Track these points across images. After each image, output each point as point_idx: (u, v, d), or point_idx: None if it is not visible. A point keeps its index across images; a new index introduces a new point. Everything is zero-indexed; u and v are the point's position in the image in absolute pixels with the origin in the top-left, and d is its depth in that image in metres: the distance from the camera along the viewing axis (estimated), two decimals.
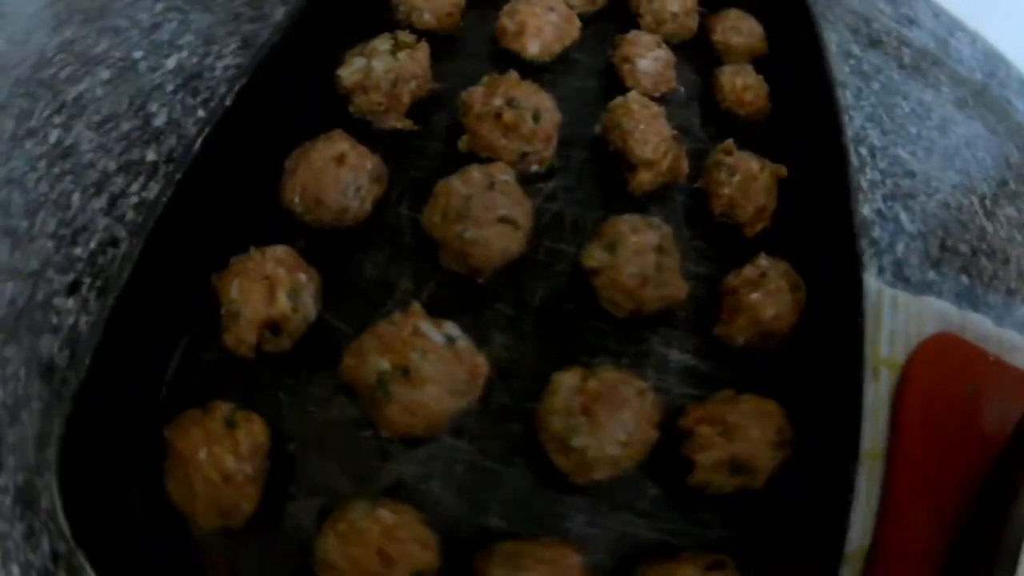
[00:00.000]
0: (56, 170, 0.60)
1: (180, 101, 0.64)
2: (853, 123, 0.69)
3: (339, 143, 0.50)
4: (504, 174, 0.49)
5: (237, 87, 0.50)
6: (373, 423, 0.45)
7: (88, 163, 0.60)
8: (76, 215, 0.58)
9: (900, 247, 0.64)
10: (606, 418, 0.43)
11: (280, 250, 0.48)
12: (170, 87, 0.65)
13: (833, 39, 0.75)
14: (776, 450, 0.46)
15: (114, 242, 0.56)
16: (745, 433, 0.46)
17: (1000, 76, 0.85)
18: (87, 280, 0.55)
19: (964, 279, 0.66)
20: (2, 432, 0.51)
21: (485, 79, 0.54)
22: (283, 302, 0.46)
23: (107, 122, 0.62)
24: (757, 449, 0.46)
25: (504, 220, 0.48)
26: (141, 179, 0.59)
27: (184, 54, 0.67)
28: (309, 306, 0.47)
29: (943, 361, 0.61)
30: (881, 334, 0.60)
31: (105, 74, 0.66)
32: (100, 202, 0.58)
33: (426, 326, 0.44)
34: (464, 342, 0.45)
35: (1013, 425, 0.56)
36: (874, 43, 0.77)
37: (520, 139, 0.52)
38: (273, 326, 0.46)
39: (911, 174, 0.68)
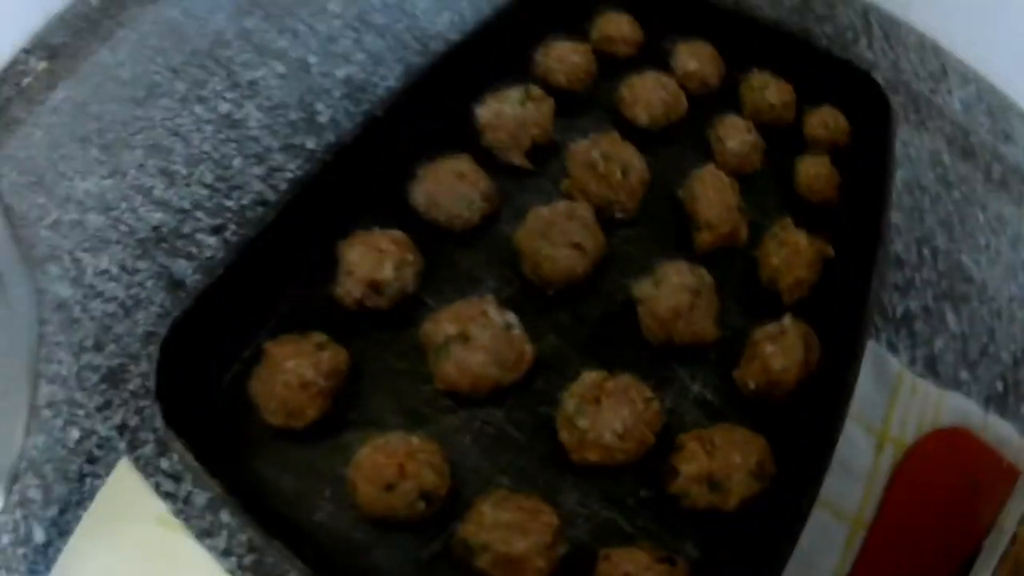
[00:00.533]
0: (222, 135, 0.71)
1: (343, 107, 0.75)
2: (924, 224, 0.74)
3: (463, 163, 0.63)
4: (584, 210, 0.61)
5: (390, 102, 0.63)
6: (432, 377, 0.56)
7: (253, 137, 0.72)
8: (235, 175, 0.69)
9: (938, 343, 0.69)
10: (610, 409, 0.53)
11: (396, 233, 0.60)
12: (337, 93, 0.76)
13: (926, 145, 0.80)
14: (753, 479, 0.53)
15: (265, 203, 0.68)
16: (727, 455, 0.53)
17: None
18: (233, 226, 0.66)
19: (999, 385, 0.70)
20: (112, 323, 0.60)
21: (592, 135, 0.66)
22: (388, 269, 0.57)
23: (276, 109, 0.74)
24: (734, 472, 0.53)
25: (575, 245, 0.59)
26: (299, 160, 0.71)
27: (354, 68, 0.79)
28: (408, 280, 0.59)
29: (951, 452, 0.66)
30: (893, 413, 0.65)
31: (280, 68, 0.77)
32: (259, 170, 0.70)
33: (492, 310, 0.56)
34: (519, 331, 0.56)
35: None
36: (966, 154, 0.81)
37: (609, 188, 0.64)
38: (376, 286, 0.57)
39: (969, 280, 0.73)
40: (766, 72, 0.76)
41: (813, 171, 0.70)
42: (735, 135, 0.70)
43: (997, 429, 0.68)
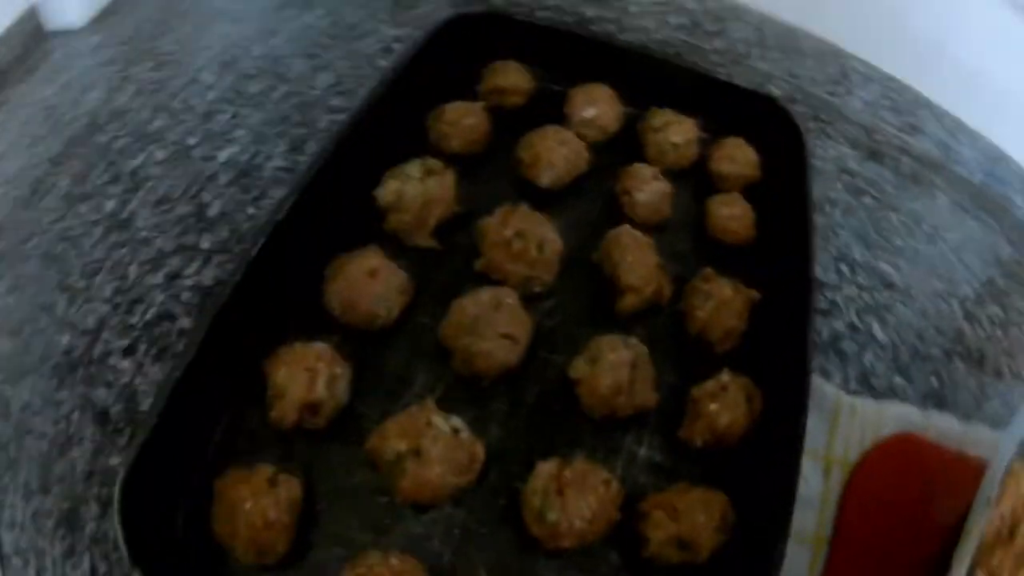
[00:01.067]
0: (112, 239, 0.76)
1: (232, 196, 0.81)
2: (838, 240, 0.88)
3: (372, 259, 0.71)
4: (509, 297, 0.70)
5: (290, 202, 0.69)
6: (389, 491, 0.63)
7: (144, 239, 0.77)
8: (133, 285, 0.74)
9: (868, 357, 0.83)
10: (574, 499, 0.62)
11: (320, 346, 0.67)
12: (223, 179, 0.82)
13: (831, 154, 0.94)
14: (718, 532, 0.64)
15: (170, 317, 0.73)
16: (691, 517, 0.63)
17: (999, 173, 1.03)
18: (143, 346, 0.71)
19: (933, 381, 0.84)
20: (49, 464, 0.65)
21: (500, 210, 0.75)
22: (321, 390, 0.64)
23: (163, 203, 0.79)
24: (701, 530, 0.63)
25: (506, 336, 0.68)
26: (196, 264, 0.76)
27: (236, 149, 0.85)
28: (342, 394, 0.66)
29: (896, 459, 0.77)
30: (835, 438, 0.78)
31: (160, 154, 0.83)
32: (156, 278, 0.75)
33: (437, 419, 0.64)
34: (466, 433, 0.65)
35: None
36: (873, 155, 0.96)
37: (526, 265, 0.73)
38: (312, 408, 0.65)
39: (890, 286, 0.87)
40: (667, 110, 0.87)
41: (726, 211, 0.82)
42: (642, 186, 0.81)
43: (938, 424, 0.80)
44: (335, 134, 0.75)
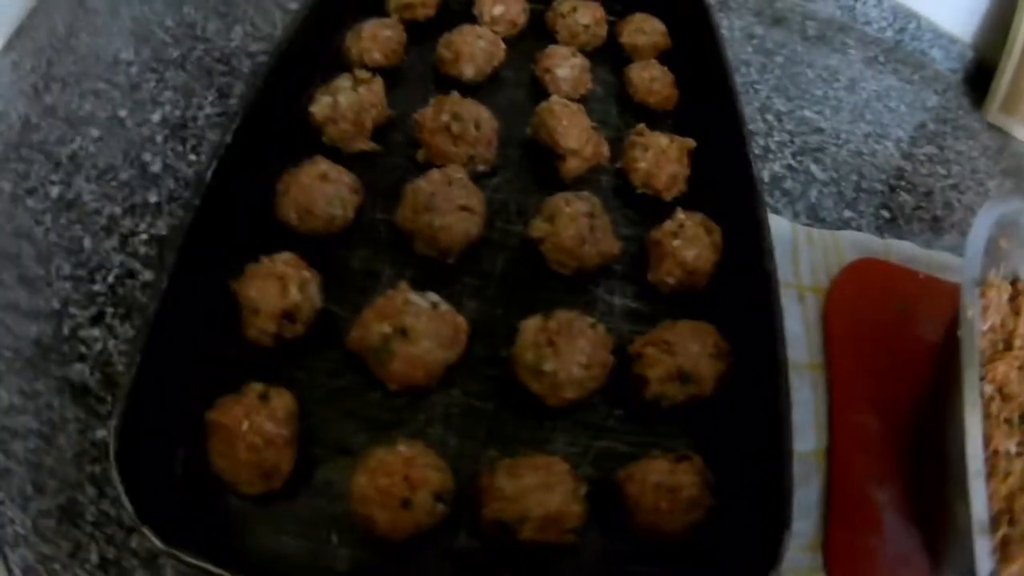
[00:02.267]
0: (63, 220, 0.79)
1: (171, 149, 0.86)
2: (759, 95, 0.95)
3: (321, 164, 0.74)
4: (458, 172, 0.74)
5: (233, 126, 0.72)
6: (380, 381, 0.66)
7: (94, 210, 0.80)
8: (90, 256, 0.77)
9: (813, 193, 0.90)
10: (567, 345, 0.65)
11: (285, 255, 0.69)
12: (159, 138, 0.87)
13: (736, 24, 1.02)
14: (715, 360, 0.68)
15: (131, 274, 0.77)
16: (685, 347, 0.68)
17: (911, 30, 1.12)
18: (110, 309, 0.74)
19: (884, 213, 0.91)
20: (40, 459, 0.66)
21: (433, 100, 0.80)
22: (294, 294, 0.66)
23: (105, 173, 0.83)
24: (698, 360, 0.67)
25: (464, 208, 0.72)
26: (147, 218, 0.80)
27: (167, 108, 0.90)
28: (315, 296, 0.69)
29: (866, 281, 0.86)
30: (800, 266, 0.84)
31: (94, 132, 0.87)
32: (112, 242, 0.78)
33: (414, 296, 0.67)
34: (445, 306, 0.68)
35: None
36: (777, 21, 1.04)
37: (467, 145, 0.78)
38: (289, 315, 0.66)
39: (819, 131, 0.94)
40: None
41: (646, 75, 0.88)
42: (561, 62, 0.87)
43: (900, 250, 0.89)
44: (262, 67, 0.79)
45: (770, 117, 0.95)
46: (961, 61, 1.12)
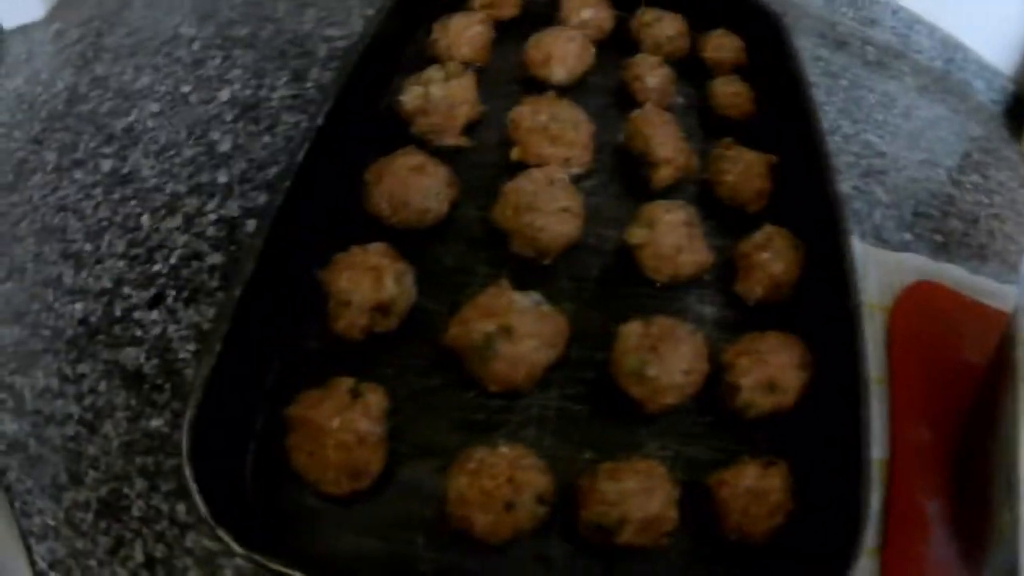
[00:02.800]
0: (116, 196, 0.76)
1: (242, 129, 0.82)
2: (827, 116, 0.95)
3: (415, 156, 0.73)
4: (559, 174, 0.73)
5: (326, 108, 0.71)
6: (476, 381, 0.64)
7: (153, 187, 0.77)
8: (148, 235, 0.74)
9: (877, 215, 0.90)
10: (670, 351, 0.65)
11: (379, 245, 0.67)
12: (228, 117, 0.83)
13: (803, 45, 1.02)
14: (801, 371, 0.68)
15: (197, 256, 0.73)
16: (776, 358, 0.67)
17: (958, 61, 1.13)
18: (172, 292, 0.70)
19: (938, 238, 0.91)
20: (80, 447, 0.62)
21: (528, 99, 0.78)
22: (390, 286, 0.64)
23: (167, 150, 0.79)
24: (786, 370, 0.67)
25: (564, 210, 0.71)
26: (216, 199, 0.76)
27: (236, 87, 0.86)
28: (411, 290, 0.67)
29: (923, 303, 0.86)
30: (868, 283, 0.84)
31: (154, 107, 0.83)
32: (175, 221, 0.75)
33: (516, 295, 0.65)
34: (547, 306, 0.66)
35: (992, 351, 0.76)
36: (839, 45, 1.05)
37: (564, 146, 0.77)
38: (383, 308, 0.64)
39: (881, 155, 0.95)
40: (654, 8, 0.93)
41: (729, 90, 0.88)
42: (651, 71, 0.86)
43: (950, 274, 0.90)
44: (352, 51, 0.77)
45: (838, 139, 0.95)
46: (1002, 94, 1.14)
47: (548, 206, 0.71)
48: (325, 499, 0.59)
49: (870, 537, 0.69)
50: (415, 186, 0.71)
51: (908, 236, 0.91)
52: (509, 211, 0.72)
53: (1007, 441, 0.62)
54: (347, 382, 0.60)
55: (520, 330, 0.63)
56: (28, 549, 0.59)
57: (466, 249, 0.74)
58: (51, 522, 0.60)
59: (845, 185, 0.91)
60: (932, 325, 0.86)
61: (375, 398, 0.60)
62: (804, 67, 0.86)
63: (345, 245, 0.67)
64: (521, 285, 0.68)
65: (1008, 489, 0.60)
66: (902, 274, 0.88)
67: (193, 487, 0.51)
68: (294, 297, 0.66)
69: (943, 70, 1.11)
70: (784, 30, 0.91)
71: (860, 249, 0.86)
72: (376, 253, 0.67)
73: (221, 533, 0.50)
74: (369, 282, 0.64)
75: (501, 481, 0.57)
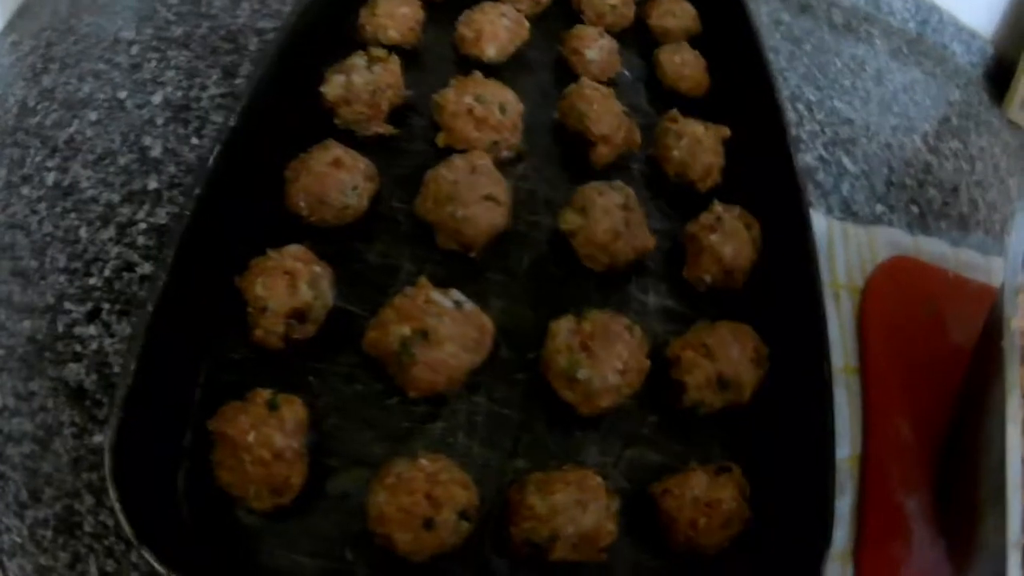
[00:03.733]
0: (58, 209, 0.70)
1: (173, 132, 0.75)
2: (788, 83, 0.87)
3: (333, 149, 0.65)
4: (481, 159, 0.65)
5: (239, 108, 0.63)
6: (399, 387, 0.57)
7: (91, 198, 0.71)
8: (86, 247, 0.68)
9: (845, 187, 0.82)
10: (603, 350, 0.57)
11: (294, 248, 0.60)
12: (160, 120, 0.76)
13: (763, 10, 0.93)
14: (755, 366, 0.61)
15: (129, 267, 0.67)
16: (725, 352, 0.60)
17: (933, 23, 1.04)
18: (106, 305, 0.65)
19: (914, 209, 0.83)
20: (36, 465, 0.58)
21: (454, 81, 0.70)
22: (305, 291, 0.58)
23: (103, 159, 0.73)
24: (738, 365, 0.60)
25: (488, 198, 0.63)
26: (147, 206, 0.70)
27: (169, 89, 0.79)
28: (327, 293, 0.60)
29: (900, 281, 0.78)
30: (836, 262, 0.76)
31: (93, 116, 0.77)
32: (108, 232, 0.69)
33: (436, 295, 0.58)
34: (470, 306, 0.59)
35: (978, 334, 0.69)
36: (803, 8, 0.96)
37: (491, 130, 0.68)
38: (298, 315, 0.58)
39: (849, 122, 0.86)
40: None
41: (677, 59, 0.79)
42: (590, 44, 0.77)
43: (929, 248, 0.82)
44: (271, 44, 0.70)
45: (800, 107, 0.86)
46: (982, 56, 1.05)
47: (471, 195, 0.63)
48: (254, 514, 0.54)
49: (841, 539, 0.65)
50: (332, 181, 0.64)
51: (881, 208, 0.82)
52: (430, 202, 0.64)
53: (993, 438, 0.56)
54: (264, 394, 0.55)
55: (438, 333, 0.57)
56: (2, 566, 0.56)
57: (389, 245, 0.66)
58: (18, 539, 0.57)
59: (809, 156, 0.83)
60: (911, 305, 0.79)
61: (291, 411, 0.54)
62: (759, 31, 0.78)
63: (264, 248, 0.60)
64: (447, 281, 0.61)
65: (995, 491, 0.55)
66: (875, 250, 0.80)
67: (117, 506, 0.47)
68: (215, 306, 0.60)
69: (916, 32, 1.02)
70: None
71: (825, 224, 0.78)
72: (291, 256, 0.60)
73: (144, 552, 0.46)
74: (283, 287, 0.58)
75: (419, 497, 0.51)
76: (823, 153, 0.83)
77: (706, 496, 0.56)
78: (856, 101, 0.89)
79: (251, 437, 0.52)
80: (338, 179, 0.64)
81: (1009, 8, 1.07)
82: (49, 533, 0.56)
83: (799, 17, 0.95)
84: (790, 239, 0.66)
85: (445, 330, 0.57)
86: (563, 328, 0.59)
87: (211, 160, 0.61)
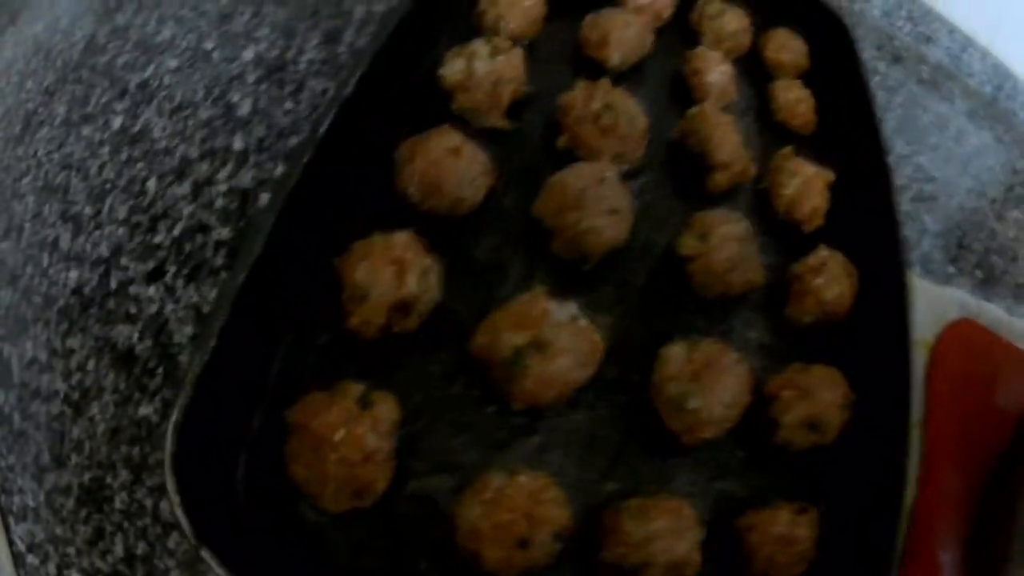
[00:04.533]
0: (123, 155, 0.65)
1: (265, 92, 0.70)
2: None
3: (453, 136, 0.60)
4: (610, 171, 0.61)
5: (358, 74, 0.59)
6: (501, 396, 0.54)
7: (163, 149, 0.66)
8: (153, 201, 0.63)
9: (925, 244, 0.80)
10: (714, 383, 0.55)
11: (404, 235, 0.55)
12: (251, 78, 0.71)
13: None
14: (843, 410, 0.59)
15: (203, 229, 0.62)
16: (819, 396, 0.59)
17: (1007, 89, 1.03)
18: (172, 268, 0.60)
19: (979, 273, 0.82)
20: (64, 427, 0.54)
21: (581, 84, 0.66)
22: (413, 283, 0.53)
23: (182, 109, 0.68)
24: (829, 408, 0.59)
25: (613, 212, 0.60)
26: (229, 167, 0.65)
27: (263, 46, 0.74)
28: (435, 288, 0.56)
29: (965, 343, 0.77)
30: (915, 317, 0.75)
31: (173, 63, 0.71)
32: (182, 189, 0.64)
33: (553, 305, 0.54)
34: (584, 321, 0.55)
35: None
36: (896, 59, 0.94)
37: (617, 140, 0.65)
38: (403, 307, 0.53)
39: (932, 179, 0.84)
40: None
41: (792, 95, 0.76)
42: (712, 67, 0.74)
43: (989, 313, 0.80)
44: (391, 14, 0.64)
45: (891, 159, 0.83)
46: None
47: (596, 206, 0.59)
48: (323, 513, 0.49)
49: None
50: (450, 169, 0.59)
51: (952, 269, 0.81)
52: (552, 207, 0.60)
53: None
54: (356, 388, 0.50)
55: (554, 346, 0.53)
56: (7, 528, 0.52)
57: (501, 244, 0.62)
58: (31, 503, 0.53)
59: None
60: (971, 367, 0.77)
61: (386, 409, 0.51)
62: (867, 74, 0.75)
63: (368, 230, 0.55)
64: (558, 290, 0.57)
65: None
66: (944, 309, 0.78)
67: (175, 500, 0.42)
68: (306, 285, 0.55)
69: (992, 96, 0.99)
70: (850, 35, 0.80)
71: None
72: (400, 244, 0.55)
73: (205, 554, 0.42)
74: (390, 276, 0.53)
75: (518, 515, 0.48)
76: (908, 208, 0.82)
77: (787, 533, 0.55)
78: (939, 159, 0.87)
79: (340, 435, 0.48)
80: (457, 168, 0.59)
81: None
82: (71, 502, 0.52)
83: (892, 67, 0.93)
84: (887, 291, 0.64)
85: (560, 343, 0.53)
86: (676, 355, 0.57)
87: (324, 126, 0.56)
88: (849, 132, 0.75)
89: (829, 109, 0.78)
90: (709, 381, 0.55)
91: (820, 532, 0.56)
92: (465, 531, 0.48)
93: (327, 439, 0.48)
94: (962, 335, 0.77)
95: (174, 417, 0.44)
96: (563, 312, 0.55)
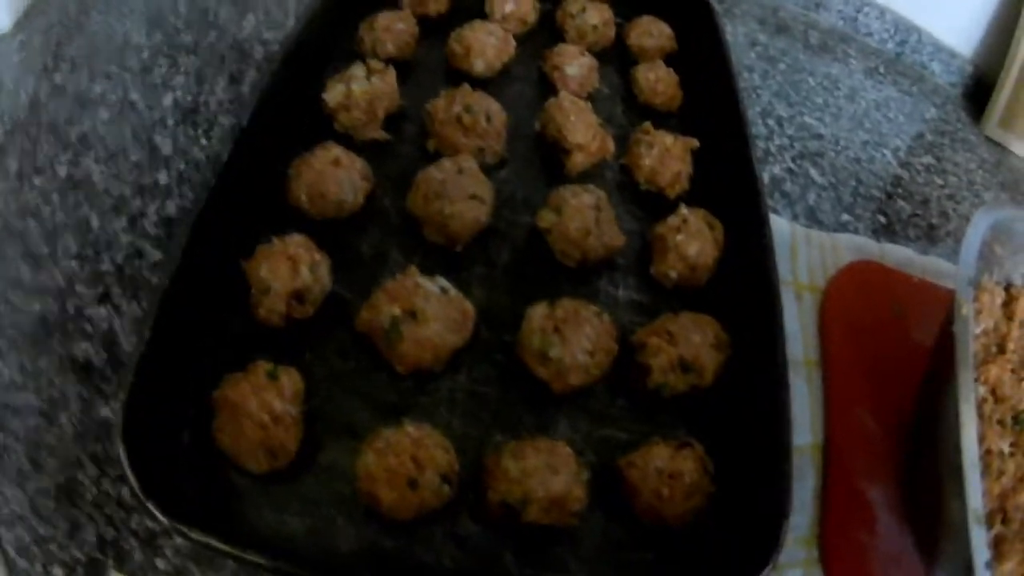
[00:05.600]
0: (71, 200, 0.81)
1: (183, 132, 0.88)
2: (760, 100, 1.00)
3: (333, 150, 0.78)
4: (468, 162, 0.78)
5: (250, 111, 0.75)
6: (388, 363, 0.69)
7: (103, 191, 0.82)
8: (98, 236, 0.79)
9: (811, 196, 0.94)
10: (573, 333, 0.69)
11: (297, 237, 0.72)
12: (170, 121, 0.89)
13: (740, 31, 1.06)
14: (716, 351, 0.72)
15: (139, 254, 0.78)
16: (687, 337, 0.71)
17: (912, 43, 1.17)
18: (117, 289, 0.76)
19: (881, 218, 0.95)
20: (39, 437, 0.67)
21: (444, 92, 0.84)
22: (306, 275, 0.69)
23: (115, 155, 0.85)
24: (700, 350, 0.71)
25: (473, 197, 0.76)
26: (157, 200, 0.82)
27: (178, 93, 0.92)
28: (325, 278, 0.72)
29: (862, 282, 0.90)
30: (798, 265, 0.88)
31: (105, 114, 0.88)
32: (120, 222, 0.80)
33: (423, 280, 0.70)
34: (454, 291, 0.71)
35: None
36: (780, 29, 1.09)
37: (477, 137, 0.82)
38: (299, 296, 0.70)
39: (818, 136, 0.99)
40: None
41: (652, 75, 0.93)
42: (570, 60, 0.92)
43: (895, 254, 0.93)
44: (277, 53, 0.82)
45: (771, 122, 0.99)
46: (960, 75, 1.17)
47: (457, 194, 0.76)
48: (249, 477, 0.63)
49: (805, 524, 0.74)
50: (331, 179, 0.77)
51: (846, 217, 0.95)
52: (420, 199, 0.77)
53: (952, 425, 0.64)
54: (265, 366, 0.65)
55: (425, 313, 0.68)
56: None
57: (381, 238, 0.79)
58: (17, 509, 0.64)
59: (777, 168, 0.96)
60: (872, 306, 0.89)
61: (290, 380, 0.65)
62: (729, 49, 0.91)
63: (269, 236, 0.72)
64: (433, 271, 0.73)
65: (954, 471, 0.61)
66: (838, 255, 0.91)
67: (125, 463, 0.55)
68: (221, 287, 0.71)
69: (895, 52, 1.15)
70: (714, 15, 0.95)
71: (788, 229, 0.90)
72: (294, 244, 0.72)
73: (149, 505, 0.54)
74: (286, 271, 0.69)
75: (404, 459, 0.61)
76: (791, 165, 0.96)
77: (668, 468, 0.64)
78: (827, 117, 1.01)
79: (252, 403, 0.62)
80: (337, 177, 0.77)
81: (989, 27, 1.20)
82: (51, 503, 0.64)
83: (775, 38, 1.09)
84: (749, 239, 0.77)
85: (431, 311, 0.68)
86: (537, 313, 0.71)
87: (225, 155, 0.72)
88: (711, 103, 0.90)
89: (695, 86, 0.94)
90: (568, 332, 0.69)
91: (716, 468, 0.66)
92: (362, 476, 0.61)
93: (242, 407, 0.61)
94: (858, 276, 0.90)
95: (122, 396, 0.57)
96: (433, 285, 0.70)
